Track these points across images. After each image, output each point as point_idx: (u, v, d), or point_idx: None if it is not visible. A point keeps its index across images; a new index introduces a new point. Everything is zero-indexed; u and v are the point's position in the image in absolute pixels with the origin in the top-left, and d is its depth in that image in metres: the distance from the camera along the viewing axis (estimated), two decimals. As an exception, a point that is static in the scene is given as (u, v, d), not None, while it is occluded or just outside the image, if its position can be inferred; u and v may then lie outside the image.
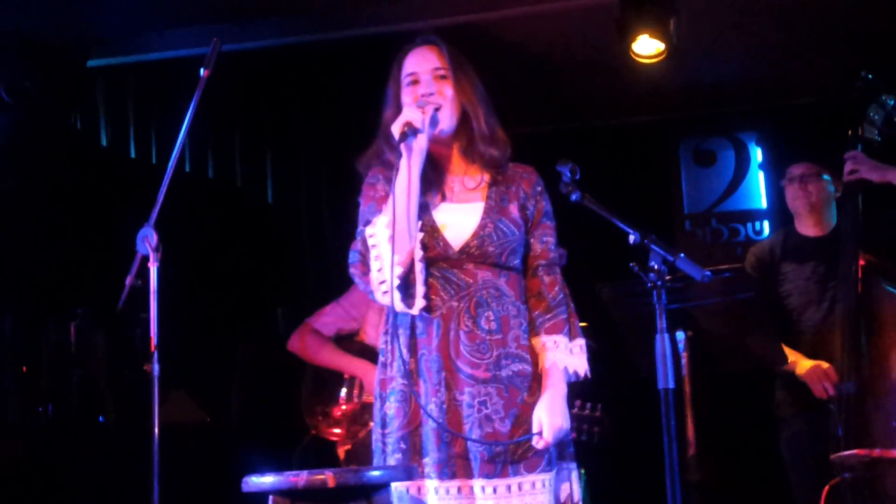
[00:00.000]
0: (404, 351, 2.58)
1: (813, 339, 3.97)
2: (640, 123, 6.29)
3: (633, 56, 4.86)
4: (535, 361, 2.61)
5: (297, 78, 5.43)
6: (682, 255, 2.52)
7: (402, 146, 2.51)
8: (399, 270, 2.49)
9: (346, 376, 4.06)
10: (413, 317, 2.58)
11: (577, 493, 2.63)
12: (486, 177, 2.70)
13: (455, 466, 2.51)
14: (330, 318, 4.19)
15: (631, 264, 2.58)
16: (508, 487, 2.50)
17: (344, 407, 4.01)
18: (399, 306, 2.52)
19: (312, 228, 5.84)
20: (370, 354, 4.06)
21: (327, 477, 2.97)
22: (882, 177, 3.82)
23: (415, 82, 2.66)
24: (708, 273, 2.50)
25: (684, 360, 3.45)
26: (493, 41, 5.02)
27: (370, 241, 2.55)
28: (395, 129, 2.53)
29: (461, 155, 2.69)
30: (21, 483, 3.90)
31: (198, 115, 3.09)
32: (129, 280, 3.46)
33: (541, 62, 5.25)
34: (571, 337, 2.65)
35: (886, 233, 3.93)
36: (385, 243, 2.49)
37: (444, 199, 2.66)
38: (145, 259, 3.49)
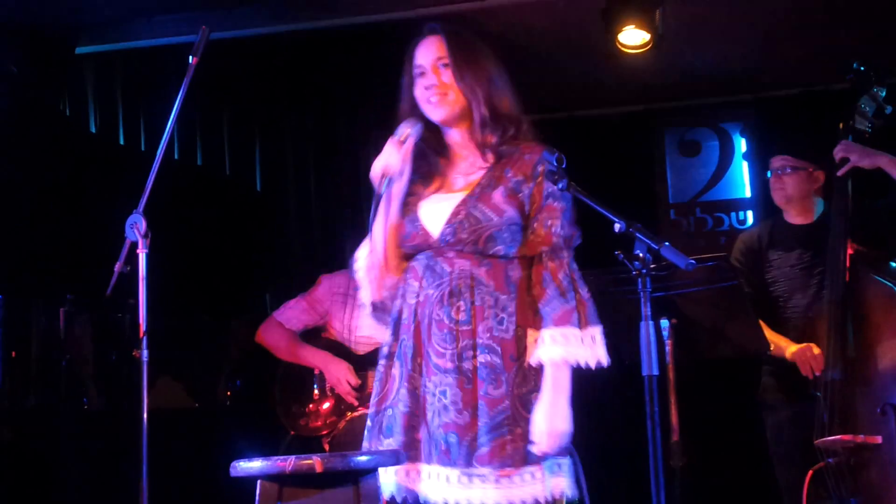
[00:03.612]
0: (388, 335, 2.65)
1: (799, 326, 4.01)
2: (625, 113, 6.32)
3: (619, 46, 4.89)
4: (519, 354, 2.55)
5: (286, 65, 5.44)
6: (667, 243, 2.52)
7: (381, 191, 2.58)
8: (371, 297, 2.67)
9: (315, 371, 4.08)
10: (400, 303, 2.62)
11: (570, 490, 2.58)
12: (490, 158, 2.69)
13: (418, 450, 2.55)
14: (295, 313, 4.21)
15: (616, 252, 2.58)
16: (459, 478, 2.50)
17: (318, 402, 4.03)
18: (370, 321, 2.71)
19: (300, 215, 5.86)
20: (336, 349, 4.08)
21: (315, 462, 3.00)
22: (873, 162, 3.85)
23: (422, 74, 2.69)
24: (692, 261, 2.50)
25: (668, 348, 3.49)
26: (477, 31, 5.01)
27: (355, 267, 2.71)
28: (374, 176, 2.59)
29: (469, 140, 2.71)
30: (8, 469, 3.91)
31: (186, 103, 3.10)
32: (117, 266, 3.47)
33: (526, 52, 5.26)
34: (583, 325, 2.55)
35: (874, 222, 3.97)
36: (364, 277, 2.67)
37: (440, 188, 2.68)
38: (134, 245, 3.50)
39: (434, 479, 2.53)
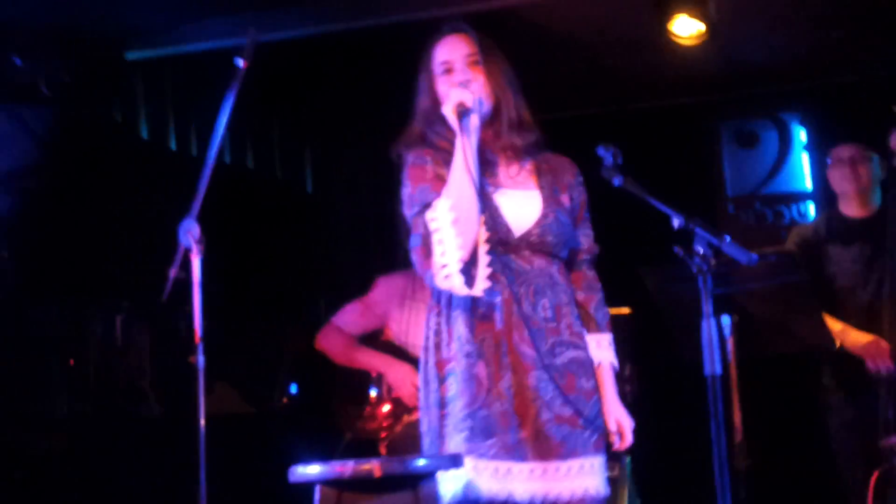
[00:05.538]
0: (465, 332, 2.55)
1: (860, 321, 3.94)
2: (680, 105, 6.22)
3: (672, 37, 4.81)
4: (587, 351, 2.65)
5: (335, 66, 5.43)
6: (728, 238, 2.49)
7: (459, 127, 2.49)
8: (461, 254, 2.45)
9: (373, 374, 4.05)
10: (473, 300, 2.54)
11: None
12: (529, 165, 2.69)
13: (526, 448, 2.49)
14: (352, 316, 4.18)
15: (675, 248, 2.55)
16: (581, 467, 2.52)
17: (376, 404, 4.00)
18: (461, 289, 2.48)
19: (353, 218, 5.85)
20: (396, 352, 4.05)
21: (374, 467, 2.98)
22: None
23: (448, 70, 2.64)
24: (755, 256, 2.47)
25: (730, 345, 3.42)
26: (528, 25, 4.98)
27: (432, 226, 2.50)
28: (449, 110, 2.52)
29: (494, 141, 2.66)
30: (65, 476, 3.94)
31: (236, 107, 3.10)
32: (172, 272, 3.47)
33: (578, 45, 5.21)
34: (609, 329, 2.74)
35: None
36: (448, 227, 2.45)
37: (498, 184, 2.63)
38: (188, 251, 3.51)
39: (550, 473, 2.50)
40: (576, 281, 2.69)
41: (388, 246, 5.61)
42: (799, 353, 3.77)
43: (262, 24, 4.64)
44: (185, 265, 3.52)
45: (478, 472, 2.49)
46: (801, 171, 6.19)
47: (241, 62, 3.01)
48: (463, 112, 2.49)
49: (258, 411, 4.67)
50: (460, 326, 2.56)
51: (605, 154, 2.60)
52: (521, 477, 2.49)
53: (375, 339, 4.15)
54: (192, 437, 3.34)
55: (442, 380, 2.57)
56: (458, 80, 2.60)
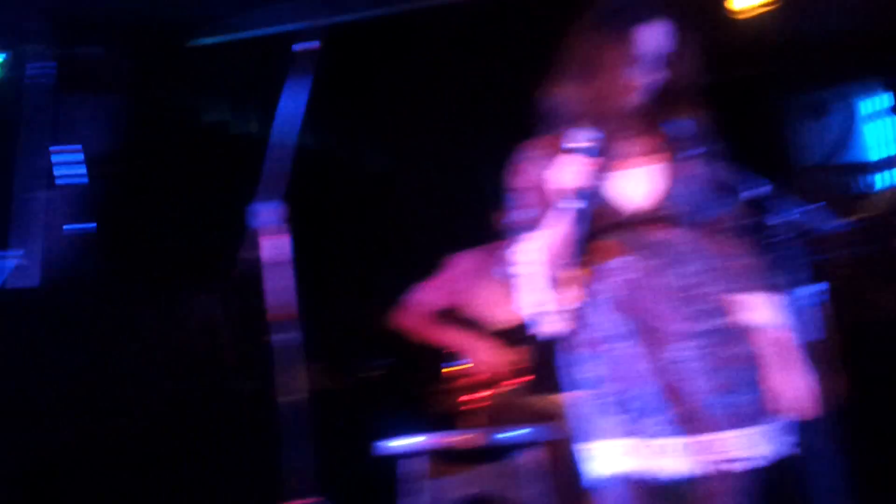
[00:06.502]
0: (609, 314, 2.52)
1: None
2: (747, 77, 6.15)
3: (732, 10, 4.76)
4: (737, 317, 2.52)
5: (412, 44, 5.44)
6: (816, 204, 2.46)
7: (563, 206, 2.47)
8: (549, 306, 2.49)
9: (453, 351, 4.08)
10: (616, 278, 2.52)
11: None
12: (660, 133, 2.61)
13: (680, 423, 2.44)
14: (431, 294, 4.19)
15: (760, 217, 2.53)
16: (738, 438, 2.44)
17: (460, 380, 4.03)
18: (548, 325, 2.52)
19: (429, 195, 5.86)
20: (475, 327, 4.07)
21: (465, 439, 3.02)
22: None
23: (647, 62, 2.51)
24: (843, 222, 2.44)
25: (822, 313, 3.38)
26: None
27: (520, 260, 2.55)
28: (555, 193, 2.49)
29: (647, 113, 2.59)
30: (167, 453, 4.03)
31: (308, 88, 3.11)
32: (260, 252, 3.54)
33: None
34: (771, 291, 2.54)
35: None
36: (536, 268, 2.51)
37: (627, 156, 2.61)
38: (268, 232, 3.56)
39: (706, 446, 2.44)
40: (721, 245, 2.56)
41: (464, 224, 5.65)
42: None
43: (333, 4, 4.65)
44: (266, 246, 3.58)
45: (632, 451, 2.47)
46: (873, 140, 6.11)
47: (307, 45, 3.03)
48: (575, 197, 2.46)
49: (347, 387, 4.71)
50: (602, 308, 2.54)
51: (688, 124, 2.59)
52: (677, 452, 2.44)
53: (455, 315, 4.18)
54: (284, 413, 3.41)
55: (588, 360, 2.56)
56: (654, 77, 2.51)
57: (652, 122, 2.60)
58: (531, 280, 2.50)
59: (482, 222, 5.78)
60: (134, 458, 3.93)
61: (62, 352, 3.37)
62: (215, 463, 4.18)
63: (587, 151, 2.48)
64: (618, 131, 2.56)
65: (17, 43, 4.95)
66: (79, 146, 4.15)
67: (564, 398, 2.61)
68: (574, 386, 2.54)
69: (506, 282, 4.08)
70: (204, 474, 4.16)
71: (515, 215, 2.56)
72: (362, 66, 5.57)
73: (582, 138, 2.48)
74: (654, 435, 2.44)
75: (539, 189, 2.55)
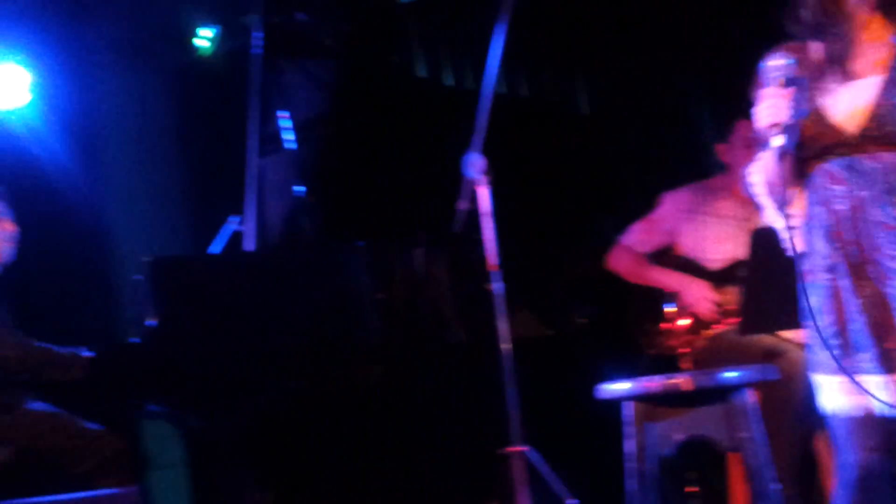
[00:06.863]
0: (822, 244, 2.44)
1: None
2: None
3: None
4: None
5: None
6: None
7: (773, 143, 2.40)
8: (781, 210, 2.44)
9: (667, 291, 4.00)
10: (828, 209, 2.43)
11: None
12: (878, 49, 2.43)
13: (893, 360, 2.34)
14: (641, 235, 4.12)
15: None
16: None
17: (674, 320, 3.96)
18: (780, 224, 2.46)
19: (632, 136, 5.77)
20: (688, 267, 3.98)
21: (684, 381, 2.96)
22: None
23: None
24: None
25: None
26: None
27: (752, 183, 2.54)
28: (761, 127, 2.42)
29: (871, 20, 2.44)
30: (382, 402, 4.17)
31: (507, 36, 3.10)
32: (462, 204, 3.58)
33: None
34: None
35: None
36: (762, 188, 2.52)
37: (844, 76, 2.43)
38: (475, 183, 3.59)
39: None
40: None
41: (670, 163, 5.53)
42: None
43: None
44: (474, 196, 3.61)
45: (847, 387, 2.40)
46: None
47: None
48: (778, 132, 2.39)
49: (558, 333, 4.72)
50: (816, 238, 2.45)
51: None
52: (891, 389, 2.34)
53: (667, 255, 4.10)
54: (497, 362, 3.45)
55: (807, 290, 2.47)
56: None
57: (881, 32, 2.44)
58: (763, 198, 2.49)
59: (694, 159, 5.62)
60: (361, 405, 4.10)
61: (284, 310, 3.52)
62: (433, 411, 4.30)
63: (787, 80, 2.38)
64: (846, 39, 2.43)
65: (231, 15, 5.18)
66: (290, 112, 4.29)
67: (783, 335, 2.53)
68: (803, 317, 2.46)
69: (716, 220, 4.01)
70: (420, 424, 4.30)
71: (757, 127, 2.46)
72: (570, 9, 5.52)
73: (779, 67, 2.40)
74: (864, 371, 2.34)
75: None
